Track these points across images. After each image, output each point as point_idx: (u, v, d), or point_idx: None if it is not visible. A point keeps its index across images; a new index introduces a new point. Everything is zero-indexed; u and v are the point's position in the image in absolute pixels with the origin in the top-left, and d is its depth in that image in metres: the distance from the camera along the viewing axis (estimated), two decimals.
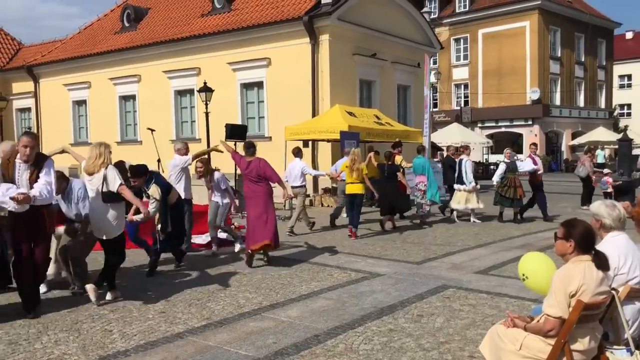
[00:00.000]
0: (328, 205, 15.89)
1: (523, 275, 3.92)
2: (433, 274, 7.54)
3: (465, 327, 5.28)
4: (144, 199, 7.37)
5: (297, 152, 12.28)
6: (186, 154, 9.21)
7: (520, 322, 3.53)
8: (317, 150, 17.19)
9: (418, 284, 6.96)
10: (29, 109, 26.57)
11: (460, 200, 12.73)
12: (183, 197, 8.60)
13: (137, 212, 7.00)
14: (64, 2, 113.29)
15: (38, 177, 5.46)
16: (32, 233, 5.60)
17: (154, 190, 7.20)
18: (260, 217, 8.13)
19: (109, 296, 6.28)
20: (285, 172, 11.95)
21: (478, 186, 13.01)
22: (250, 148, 8.48)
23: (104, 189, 5.97)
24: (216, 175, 9.00)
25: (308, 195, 12.31)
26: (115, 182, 5.93)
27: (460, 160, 12.90)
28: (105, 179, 5.96)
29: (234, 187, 9.12)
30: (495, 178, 12.60)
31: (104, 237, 6.21)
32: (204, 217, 9.56)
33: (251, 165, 8.28)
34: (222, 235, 9.62)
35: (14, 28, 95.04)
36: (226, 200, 9.03)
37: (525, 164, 13.08)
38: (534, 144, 14.13)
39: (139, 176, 7.19)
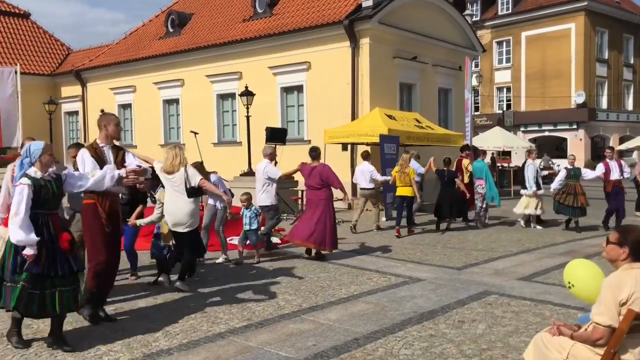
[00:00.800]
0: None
1: (569, 283, 3.82)
2: (474, 280, 7.43)
3: (508, 334, 5.19)
4: (150, 203, 7.49)
5: (366, 156, 12.47)
6: (274, 158, 9.35)
7: (566, 330, 3.44)
8: (356, 154, 17.13)
9: (459, 290, 6.88)
10: (76, 112, 27.35)
11: (527, 205, 12.40)
12: (269, 204, 9.05)
13: (140, 216, 7.15)
14: (111, 8, 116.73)
15: (123, 159, 5.58)
16: (117, 230, 5.58)
17: (161, 195, 7.08)
18: (318, 220, 8.51)
19: (180, 285, 6.79)
20: (355, 175, 12.59)
21: (540, 191, 12.39)
22: (313, 152, 8.99)
23: (188, 186, 6.49)
24: (212, 178, 8.56)
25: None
26: (196, 177, 6.54)
27: (525, 165, 12.64)
28: (186, 176, 6.51)
29: (230, 189, 8.99)
30: (554, 185, 12.03)
31: (186, 230, 6.63)
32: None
33: (314, 170, 8.71)
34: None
35: (63, 34, 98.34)
36: (223, 204, 8.52)
37: (594, 171, 12.37)
38: (611, 148, 13.27)
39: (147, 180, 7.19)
